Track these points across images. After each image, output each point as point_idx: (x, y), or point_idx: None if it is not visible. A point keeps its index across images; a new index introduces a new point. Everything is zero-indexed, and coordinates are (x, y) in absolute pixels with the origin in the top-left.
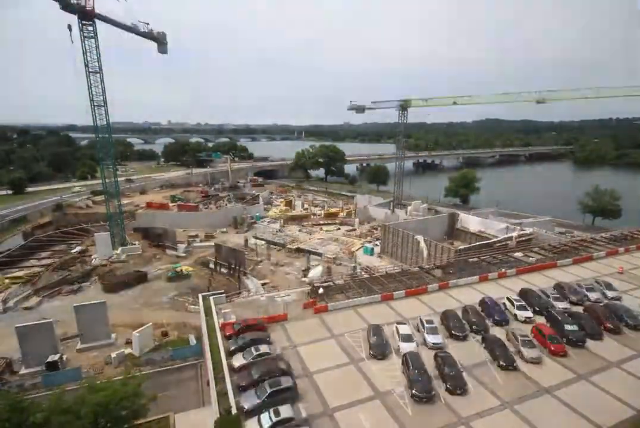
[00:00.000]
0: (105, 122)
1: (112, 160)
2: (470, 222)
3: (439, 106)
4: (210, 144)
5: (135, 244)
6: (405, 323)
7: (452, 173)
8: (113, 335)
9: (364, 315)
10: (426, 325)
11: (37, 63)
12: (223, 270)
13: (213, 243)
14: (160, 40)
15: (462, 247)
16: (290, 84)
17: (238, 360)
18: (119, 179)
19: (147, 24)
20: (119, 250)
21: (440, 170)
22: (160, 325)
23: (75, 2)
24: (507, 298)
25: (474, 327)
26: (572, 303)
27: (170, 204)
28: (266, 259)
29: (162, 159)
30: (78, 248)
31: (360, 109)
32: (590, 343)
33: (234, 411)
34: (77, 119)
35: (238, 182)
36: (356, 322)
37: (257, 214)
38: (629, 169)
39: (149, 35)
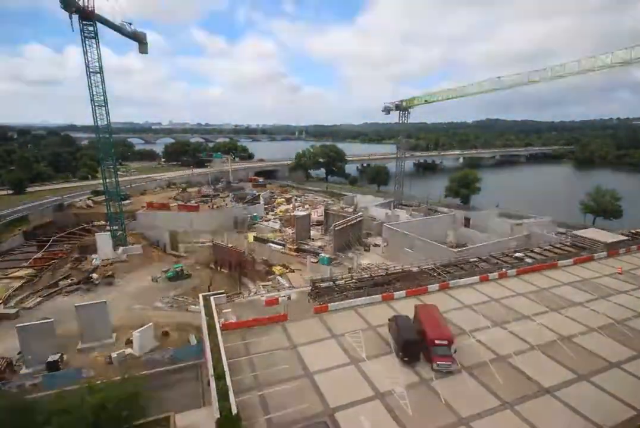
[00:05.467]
0: (105, 122)
1: (113, 160)
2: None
3: None
4: (210, 144)
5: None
6: None
7: (452, 173)
8: (114, 335)
9: (364, 315)
10: None
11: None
12: (223, 270)
13: (213, 243)
14: (141, 40)
15: (462, 247)
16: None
17: None
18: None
19: (130, 23)
20: (119, 250)
21: (440, 170)
22: (161, 325)
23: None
24: None
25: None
26: None
27: (171, 204)
28: (267, 259)
29: (163, 159)
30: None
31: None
32: (590, 343)
33: (234, 411)
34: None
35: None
36: (356, 322)
37: (255, 215)
38: (629, 169)
39: (132, 36)
